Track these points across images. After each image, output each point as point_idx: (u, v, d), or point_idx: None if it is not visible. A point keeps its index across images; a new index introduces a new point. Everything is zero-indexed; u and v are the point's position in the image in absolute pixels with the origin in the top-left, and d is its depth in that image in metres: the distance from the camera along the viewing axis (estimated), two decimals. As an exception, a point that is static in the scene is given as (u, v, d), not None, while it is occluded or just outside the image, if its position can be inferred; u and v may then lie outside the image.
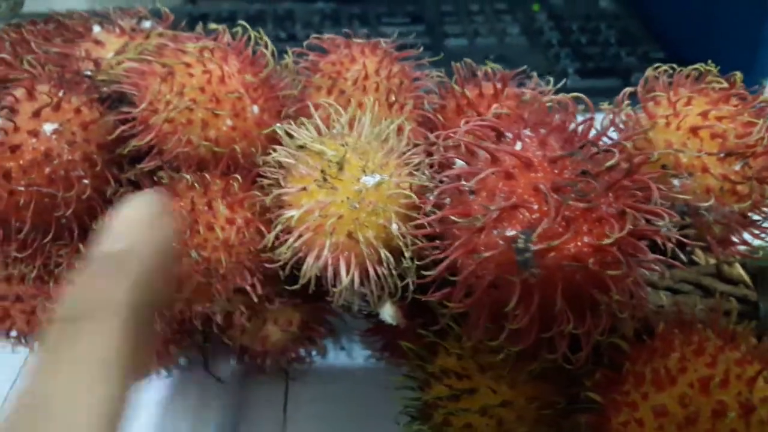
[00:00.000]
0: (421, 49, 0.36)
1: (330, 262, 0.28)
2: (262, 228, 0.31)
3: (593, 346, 0.26)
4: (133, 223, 0.24)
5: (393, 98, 0.33)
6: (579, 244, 0.23)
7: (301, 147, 0.28)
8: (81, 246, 0.34)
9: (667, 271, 0.30)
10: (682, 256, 0.29)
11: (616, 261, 0.23)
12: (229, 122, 0.31)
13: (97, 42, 0.38)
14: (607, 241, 0.23)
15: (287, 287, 0.35)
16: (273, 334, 0.39)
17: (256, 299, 0.33)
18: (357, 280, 0.29)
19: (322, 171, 0.27)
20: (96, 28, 0.39)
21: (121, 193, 0.33)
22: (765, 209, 0.30)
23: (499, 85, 0.32)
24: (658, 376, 0.25)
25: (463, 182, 0.24)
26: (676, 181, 0.28)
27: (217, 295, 0.31)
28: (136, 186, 0.33)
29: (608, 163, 0.23)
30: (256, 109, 0.32)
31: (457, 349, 0.30)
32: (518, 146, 0.24)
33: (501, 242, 0.23)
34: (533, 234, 0.22)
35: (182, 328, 0.37)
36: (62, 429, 0.19)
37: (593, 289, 0.24)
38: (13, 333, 0.41)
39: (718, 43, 0.65)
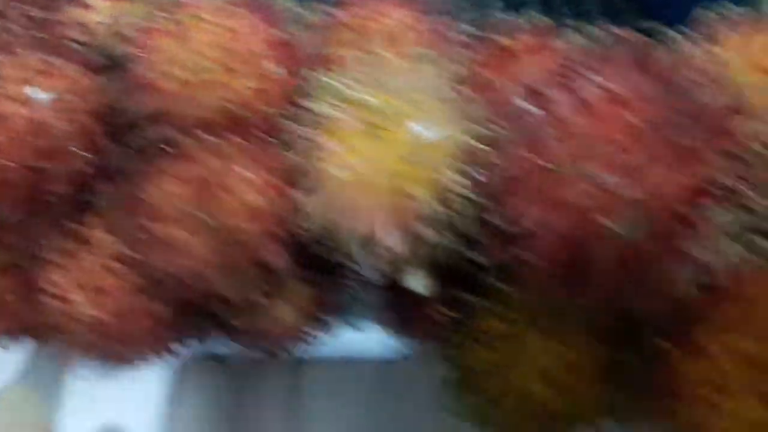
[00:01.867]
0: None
1: (374, 223, 0.25)
2: (290, 191, 0.28)
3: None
4: None
5: (430, 51, 0.31)
6: (674, 184, 0.21)
7: (342, 99, 0.26)
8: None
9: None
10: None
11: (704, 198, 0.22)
12: (249, 82, 0.29)
13: (86, 6, 0.35)
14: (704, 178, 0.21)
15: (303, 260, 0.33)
16: (286, 314, 0.36)
17: (278, 275, 0.30)
18: (400, 243, 0.26)
19: (370, 122, 0.25)
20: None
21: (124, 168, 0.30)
22: None
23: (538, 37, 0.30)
24: (730, 321, 0.25)
25: (541, 127, 0.22)
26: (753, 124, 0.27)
27: (238, 268, 0.29)
28: (140, 157, 0.30)
29: (703, 100, 0.22)
30: (278, 68, 0.29)
31: (503, 311, 0.28)
32: (601, 81, 0.22)
33: (589, 188, 0.21)
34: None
35: (189, 310, 0.34)
36: None
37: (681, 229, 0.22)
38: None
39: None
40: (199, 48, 0.28)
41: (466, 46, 0.31)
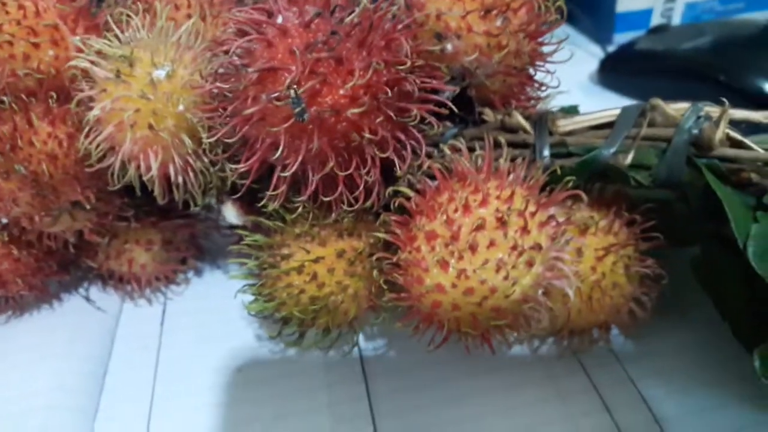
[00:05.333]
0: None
1: (135, 155, 0.30)
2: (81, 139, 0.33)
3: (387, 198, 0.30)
4: None
5: (206, 13, 0.36)
6: (335, 95, 0.26)
7: (98, 53, 0.31)
8: None
9: (450, 127, 0.34)
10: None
11: (372, 107, 0.27)
12: (50, 52, 0.34)
13: None
14: (347, 86, 0.26)
15: (138, 205, 0.38)
16: (138, 255, 0.41)
17: (98, 213, 0.36)
18: (172, 172, 0.31)
19: (116, 70, 0.30)
20: None
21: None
22: (539, 63, 0.34)
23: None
24: (431, 210, 0.28)
25: (237, 59, 0.27)
26: (448, 45, 0.32)
27: (52, 206, 0.34)
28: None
29: (348, 18, 0.26)
30: (77, 38, 0.34)
31: (277, 226, 0.33)
32: (279, 19, 0.27)
33: (266, 104, 0.26)
34: (298, 88, 0.25)
35: (49, 255, 0.39)
36: None
37: (354, 133, 0.27)
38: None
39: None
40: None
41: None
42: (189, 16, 0.35)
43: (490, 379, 0.36)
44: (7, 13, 0.33)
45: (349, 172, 0.28)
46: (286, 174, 0.27)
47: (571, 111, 0.37)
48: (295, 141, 0.27)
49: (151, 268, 0.42)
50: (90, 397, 0.37)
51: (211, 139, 0.29)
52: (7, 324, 0.42)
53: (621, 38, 0.76)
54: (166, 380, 0.38)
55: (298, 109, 0.26)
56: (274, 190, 0.29)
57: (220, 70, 0.28)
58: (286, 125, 0.26)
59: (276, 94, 0.26)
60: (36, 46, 0.33)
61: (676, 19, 0.78)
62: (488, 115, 0.34)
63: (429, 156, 0.32)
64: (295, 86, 0.25)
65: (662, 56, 0.63)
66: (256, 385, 0.37)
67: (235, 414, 0.36)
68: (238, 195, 0.31)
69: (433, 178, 0.30)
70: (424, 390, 0.36)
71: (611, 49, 0.73)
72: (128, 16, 0.31)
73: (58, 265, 0.41)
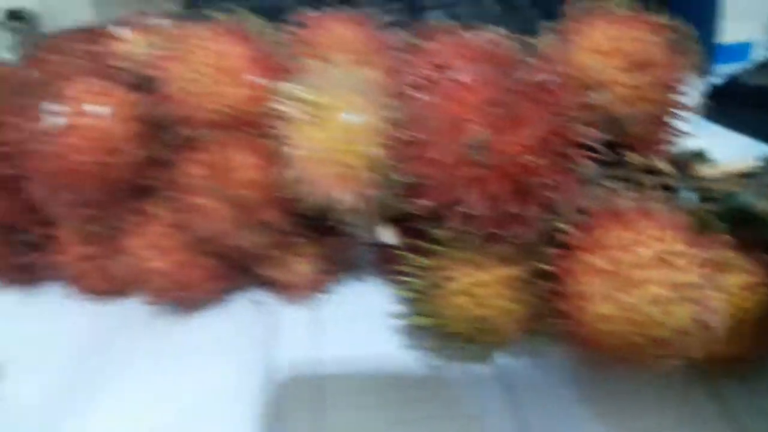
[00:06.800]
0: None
1: (325, 187, 0.35)
2: (274, 169, 0.38)
3: (546, 233, 0.34)
4: None
5: (367, 58, 0.40)
6: (512, 145, 0.30)
7: (295, 98, 0.36)
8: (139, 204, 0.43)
9: (599, 169, 0.37)
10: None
11: (545, 154, 0.30)
12: (239, 90, 0.39)
13: (125, 40, 0.46)
14: (531, 138, 0.29)
15: (308, 225, 0.43)
16: (301, 266, 0.47)
17: (279, 230, 0.41)
18: (352, 201, 0.36)
19: (314, 115, 0.35)
20: (121, 30, 0.47)
21: (165, 158, 0.41)
22: (674, 110, 0.37)
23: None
24: (592, 246, 0.32)
25: (418, 110, 0.31)
26: (595, 95, 0.35)
27: (248, 225, 0.39)
28: (175, 150, 0.41)
29: (532, 79, 0.30)
30: (258, 78, 0.40)
31: (437, 249, 0.37)
32: (459, 75, 0.31)
33: (450, 151, 0.30)
34: (482, 136, 0.29)
35: (227, 264, 0.45)
36: None
37: (529, 178, 0.31)
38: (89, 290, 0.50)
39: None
40: (198, 68, 0.39)
41: (392, 48, 0.40)
42: (357, 62, 0.39)
43: (630, 400, 0.39)
44: (204, 56, 0.39)
45: (516, 210, 0.32)
46: (474, 212, 0.31)
47: (699, 154, 0.40)
48: (474, 184, 0.31)
49: (310, 278, 0.47)
50: (256, 397, 0.41)
51: (394, 178, 0.34)
52: (177, 324, 0.48)
53: (721, 70, 0.75)
54: (333, 381, 0.43)
55: (480, 157, 0.30)
56: (447, 222, 0.33)
57: (402, 117, 0.33)
58: (468, 170, 0.30)
59: (460, 143, 0.30)
60: (228, 85, 0.39)
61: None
62: (631, 157, 0.37)
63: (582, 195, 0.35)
64: (479, 137, 0.29)
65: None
66: (404, 389, 0.42)
67: (387, 415, 0.40)
68: (395, 220, 0.36)
69: (587, 214, 0.33)
70: (572, 407, 0.40)
71: (713, 81, 0.72)
72: (311, 62, 0.36)
73: (232, 272, 0.47)
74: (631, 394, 0.39)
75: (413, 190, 0.34)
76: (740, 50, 0.75)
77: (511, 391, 0.41)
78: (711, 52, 0.75)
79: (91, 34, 0.47)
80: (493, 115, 0.30)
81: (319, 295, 0.49)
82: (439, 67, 0.32)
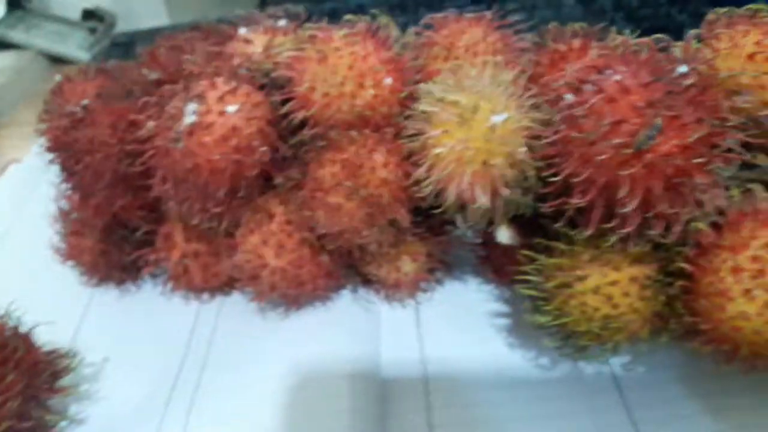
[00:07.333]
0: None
1: (466, 186, 0.36)
2: (409, 169, 0.39)
3: (681, 232, 0.34)
4: None
5: (500, 58, 0.41)
6: (670, 145, 0.31)
7: (440, 99, 0.37)
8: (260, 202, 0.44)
9: (735, 171, 0.38)
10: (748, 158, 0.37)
11: (698, 155, 0.31)
12: (371, 92, 0.40)
13: (246, 41, 0.47)
14: (691, 139, 0.30)
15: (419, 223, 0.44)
16: (405, 265, 0.47)
17: (401, 229, 0.42)
18: (488, 200, 0.37)
19: (460, 115, 0.36)
20: (242, 30, 0.48)
21: (290, 158, 0.42)
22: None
23: (583, 41, 0.40)
24: (736, 246, 0.33)
25: (576, 110, 0.32)
26: (739, 98, 0.36)
27: (378, 223, 0.40)
28: (300, 150, 0.43)
29: (686, 83, 0.31)
30: (390, 79, 0.41)
31: (567, 249, 0.38)
32: (617, 77, 0.32)
33: (611, 150, 0.31)
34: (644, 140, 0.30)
35: (338, 261, 0.46)
36: None
37: (681, 178, 0.32)
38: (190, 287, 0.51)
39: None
40: (334, 69, 0.40)
41: (527, 51, 0.41)
42: (485, 63, 0.40)
43: (740, 397, 0.40)
44: (340, 57, 0.40)
45: (666, 210, 0.33)
46: (627, 210, 0.32)
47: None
48: (629, 182, 0.32)
49: (412, 276, 0.48)
50: (362, 395, 0.42)
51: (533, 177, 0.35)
52: (282, 321, 0.49)
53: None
54: (437, 377, 0.44)
55: (642, 155, 0.31)
56: (591, 222, 0.34)
57: (556, 118, 0.34)
58: (625, 169, 0.31)
59: (622, 142, 0.31)
60: (361, 86, 0.40)
61: None
62: (761, 159, 0.38)
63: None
64: (644, 137, 0.30)
65: None
66: (513, 388, 0.42)
67: (497, 414, 0.41)
68: (515, 219, 0.36)
69: (724, 214, 0.34)
70: (682, 401, 0.40)
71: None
72: (457, 66, 0.37)
73: (341, 271, 0.48)
74: (742, 391, 0.40)
75: (558, 189, 0.35)
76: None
77: (622, 390, 0.42)
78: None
79: (213, 33, 0.48)
80: (653, 116, 0.30)
81: (421, 294, 0.50)
82: (597, 69, 0.33)
